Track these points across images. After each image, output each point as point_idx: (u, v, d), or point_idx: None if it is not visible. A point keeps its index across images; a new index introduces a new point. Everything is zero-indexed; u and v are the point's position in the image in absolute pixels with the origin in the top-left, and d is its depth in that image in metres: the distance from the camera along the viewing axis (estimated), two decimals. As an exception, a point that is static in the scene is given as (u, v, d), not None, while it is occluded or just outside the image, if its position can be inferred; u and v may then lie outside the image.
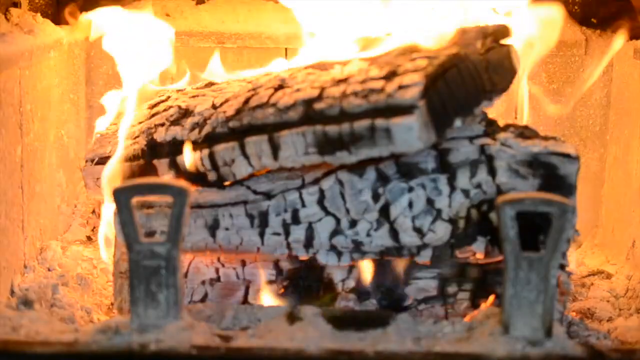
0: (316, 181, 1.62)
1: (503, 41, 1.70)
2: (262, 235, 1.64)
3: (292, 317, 1.46)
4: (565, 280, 1.62)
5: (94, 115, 2.36)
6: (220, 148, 1.64)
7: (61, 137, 2.22)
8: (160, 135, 1.75)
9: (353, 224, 1.60)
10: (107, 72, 2.37)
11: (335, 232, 1.61)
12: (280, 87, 1.62)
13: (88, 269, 2.03)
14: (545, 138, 1.62)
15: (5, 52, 1.85)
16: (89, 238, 2.28)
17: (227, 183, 1.68)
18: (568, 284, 1.64)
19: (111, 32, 2.04)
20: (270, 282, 1.70)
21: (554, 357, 1.34)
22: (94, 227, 2.31)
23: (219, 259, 1.71)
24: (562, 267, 1.62)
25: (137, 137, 1.78)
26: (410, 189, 1.58)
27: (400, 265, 1.66)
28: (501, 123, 1.69)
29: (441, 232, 1.59)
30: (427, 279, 1.65)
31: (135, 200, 1.38)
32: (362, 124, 1.49)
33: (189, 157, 1.67)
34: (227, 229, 1.65)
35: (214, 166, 1.66)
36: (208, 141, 1.66)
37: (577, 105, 2.34)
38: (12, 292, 1.79)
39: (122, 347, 1.35)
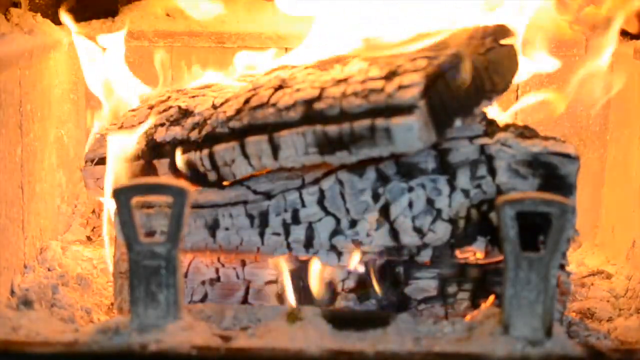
0: (316, 181, 1.62)
1: (503, 41, 1.70)
2: (262, 235, 1.64)
3: (292, 317, 1.45)
4: (565, 280, 1.62)
5: (94, 115, 2.36)
6: (220, 148, 1.64)
7: (61, 137, 2.22)
8: (160, 135, 1.75)
9: (353, 224, 1.60)
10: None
11: (335, 232, 1.61)
12: (280, 87, 1.62)
13: (88, 269, 2.03)
14: (545, 138, 1.62)
15: (5, 52, 1.85)
16: (89, 238, 2.28)
17: (227, 183, 1.68)
18: (568, 284, 1.64)
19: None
20: (270, 282, 1.70)
21: (554, 357, 1.34)
22: (94, 227, 2.32)
23: (219, 259, 1.71)
24: (562, 267, 1.62)
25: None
26: (410, 189, 1.58)
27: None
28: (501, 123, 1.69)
29: (441, 232, 1.59)
30: (427, 279, 1.65)
31: (135, 200, 1.38)
32: (362, 124, 1.49)
33: (179, 158, 1.68)
34: (227, 229, 1.65)
35: (214, 166, 1.66)
36: (208, 141, 1.66)
37: (577, 105, 2.34)
38: (12, 292, 1.79)
39: (122, 347, 1.35)
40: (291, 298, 1.68)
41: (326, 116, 1.52)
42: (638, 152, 2.08)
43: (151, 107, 1.86)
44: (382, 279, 1.66)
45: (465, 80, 1.50)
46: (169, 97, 1.87)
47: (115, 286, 1.78)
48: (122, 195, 1.38)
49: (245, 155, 1.62)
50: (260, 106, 1.61)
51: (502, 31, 1.69)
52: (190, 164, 1.68)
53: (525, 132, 1.64)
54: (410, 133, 1.45)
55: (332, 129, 1.51)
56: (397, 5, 1.85)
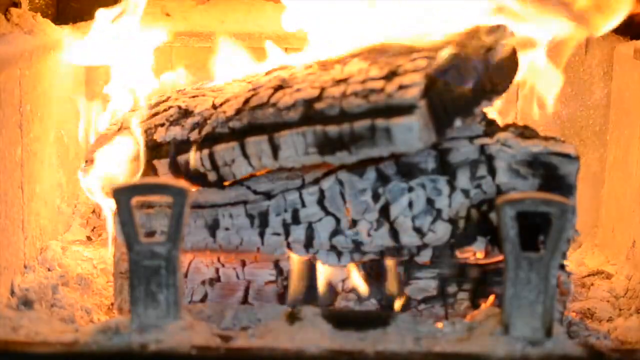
0: (316, 181, 1.62)
1: (503, 41, 1.70)
2: (262, 235, 1.64)
3: (292, 317, 1.46)
4: (565, 280, 1.62)
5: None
6: (220, 148, 1.64)
7: (61, 137, 2.22)
8: (160, 135, 1.75)
9: (353, 224, 1.60)
10: (108, 72, 2.37)
11: (335, 232, 1.61)
12: (280, 87, 1.62)
13: (88, 269, 2.02)
14: (545, 138, 1.62)
15: (5, 52, 1.85)
16: (89, 238, 2.27)
17: (227, 183, 1.68)
18: (568, 284, 1.64)
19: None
20: (270, 282, 1.70)
21: (554, 357, 1.34)
22: (94, 227, 2.31)
23: (219, 259, 1.71)
24: (562, 267, 1.62)
25: (137, 137, 1.79)
26: (410, 189, 1.58)
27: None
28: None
29: (441, 232, 1.59)
30: (427, 279, 1.65)
31: (135, 200, 1.38)
32: (362, 124, 1.49)
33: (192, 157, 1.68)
34: (227, 229, 1.65)
35: (214, 166, 1.66)
36: (208, 141, 1.66)
37: (577, 105, 2.34)
38: (12, 292, 1.79)
39: (122, 347, 1.35)
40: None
41: (326, 116, 1.52)
42: (638, 152, 2.08)
43: (151, 107, 1.86)
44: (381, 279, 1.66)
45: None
46: (169, 97, 1.87)
47: (115, 286, 1.78)
48: (122, 195, 1.38)
49: (245, 155, 1.62)
50: (260, 106, 1.61)
51: (502, 31, 1.69)
52: (190, 164, 1.68)
53: (525, 132, 1.64)
54: (410, 133, 1.45)
55: (332, 129, 1.51)
56: (399, 6, 1.85)
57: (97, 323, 1.71)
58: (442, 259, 1.63)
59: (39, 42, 2.05)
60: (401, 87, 1.47)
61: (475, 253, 1.61)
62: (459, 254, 1.61)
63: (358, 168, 1.59)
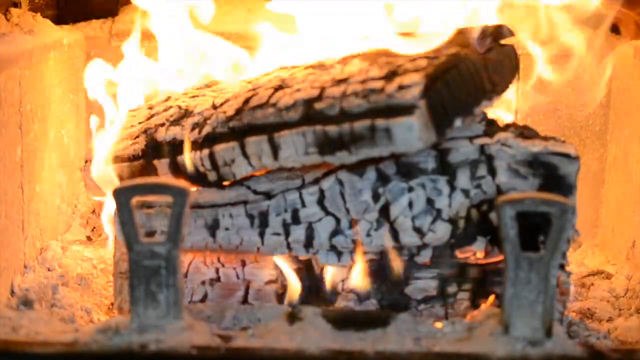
0: (316, 181, 1.62)
1: (503, 41, 1.70)
2: (262, 235, 1.64)
3: (292, 317, 1.46)
4: (565, 280, 1.62)
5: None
6: (220, 148, 1.64)
7: (61, 137, 2.22)
8: (161, 135, 1.75)
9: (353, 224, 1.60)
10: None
11: (335, 232, 1.61)
12: (280, 87, 1.62)
13: (88, 269, 2.03)
14: (545, 138, 1.62)
15: (5, 52, 1.85)
16: (89, 238, 2.28)
17: (227, 183, 1.68)
18: (568, 284, 1.64)
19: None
20: (270, 282, 1.70)
21: (554, 357, 1.34)
22: (94, 227, 2.32)
23: (219, 259, 1.71)
24: (562, 267, 1.62)
25: (137, 137, 1.78)
26: (410, 189, 1.58)
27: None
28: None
29: (441, 232, 1.59)
30: (427, 279, 1.65)
31: (135, 200, 1.38)
32: (362, 124, 1.49)
33: (188, 159, 1.68)
34: (227, 229, 1.65)
35: (214, 166, 1.66)
36: (208, 141, 1.66)
37: (577, 105, 2.34)
38: (12, 292, 1.79)
39: (122, 347, 1.35)
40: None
41: (326, 116, 1.52)
42: (638, 152, 2.08)
43: (151, 107, 1.86)
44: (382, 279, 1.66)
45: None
46: (169, 97, 1.87)
47: (115, 286, 1.78)
48: (122, 195, 1.38)
49: (245, 155, 1.62)
50: (260, 106, 1.61)
51: (502, 31, 1.70)
52: (190, 164, 1.69)
53: (525, 132, 1.64)
54: (410, 133, 1.45)
55: (332, 129, 1.51)
56: (398, 6, 1.85)
57: (97, 323, 1.71)
58: (442, 259, 1.63)
59: (39, 42, 2.05)
60: (401, 87, 1.47)
61: (475, 253, 1.61)
62: (459, 254, 1.62)
63: (358, 168, 1.59)
